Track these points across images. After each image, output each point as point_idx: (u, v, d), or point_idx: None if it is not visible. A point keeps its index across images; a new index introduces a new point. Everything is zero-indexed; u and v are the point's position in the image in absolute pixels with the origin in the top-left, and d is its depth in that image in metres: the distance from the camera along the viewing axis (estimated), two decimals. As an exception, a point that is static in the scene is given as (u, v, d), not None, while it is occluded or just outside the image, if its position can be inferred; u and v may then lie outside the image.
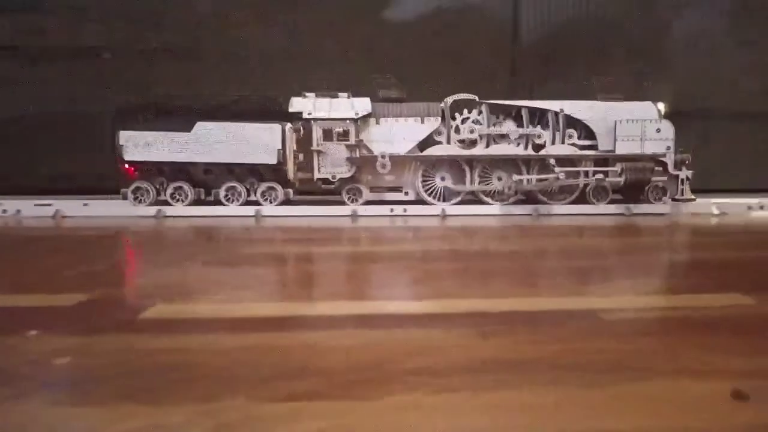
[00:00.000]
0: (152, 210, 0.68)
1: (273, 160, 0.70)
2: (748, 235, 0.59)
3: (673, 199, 0.75)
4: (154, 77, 0.90)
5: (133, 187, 0.70)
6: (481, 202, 0.73)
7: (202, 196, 0.72)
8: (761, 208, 0.78)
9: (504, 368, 0.19)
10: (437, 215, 0.70)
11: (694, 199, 0.75)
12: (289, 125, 0.71)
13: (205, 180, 0.72)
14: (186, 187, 0.70)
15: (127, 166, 0.70)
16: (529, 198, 0.74)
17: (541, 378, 0.18)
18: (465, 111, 0.74)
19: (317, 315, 0.25)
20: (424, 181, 0.73)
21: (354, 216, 0.69)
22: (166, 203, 0.70)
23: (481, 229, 0.61)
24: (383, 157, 0.70)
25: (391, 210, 0.71)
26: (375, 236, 0.56)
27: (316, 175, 0.71)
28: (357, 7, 0.93)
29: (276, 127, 0.70)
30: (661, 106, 0.75)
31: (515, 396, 0.17)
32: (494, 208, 0.72)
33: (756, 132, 1.03)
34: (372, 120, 0.71)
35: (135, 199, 0.70)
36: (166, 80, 0.90)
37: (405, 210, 0.71)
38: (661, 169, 0.74)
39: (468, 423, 0.15)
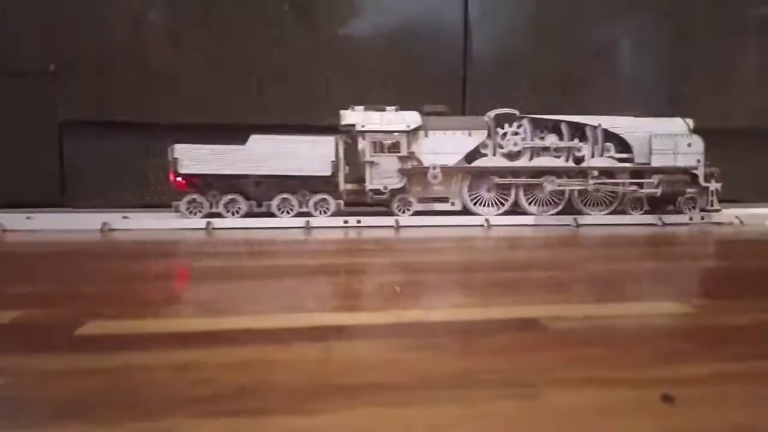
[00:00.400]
0: (97, 223, 0.67)
1: (327, 172, 0.71)
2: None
3: (702, 210, 0.79)
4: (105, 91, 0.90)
5: (187, 199, 0.70)
6: (525, 213, 0.75)
7: (254, 209, 0.72)
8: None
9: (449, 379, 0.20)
10: (391, 226, 0.71)
11: (719, 210, 0.79)
12: (340, 138, 0.72)
13: (256, 192, 0.72)
14: (239, 199, 0.71)
15: (180, 179, 0.70)
16: (567, 209, 0.77)
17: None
18: (506, 125, 0.76)
19: (250, 328, 0.25)
20: (470, 191, 0.75)
21: (307, 228, 0.69)
22: (218, 215, 0.70)
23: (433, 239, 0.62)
24: (434, 168, 0.72)
25: (346, 222, 0.71)
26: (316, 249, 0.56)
27: (369, 186, 0.72)
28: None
29: (329, 140, 0.71)
30: (690, 121, 0.79)
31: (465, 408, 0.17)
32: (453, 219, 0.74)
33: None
34: (421, 133, 0.73)
35: (189, 211, 0.70)
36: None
37: (359, 221, 0.71)
38: (690, 180, 0.78)
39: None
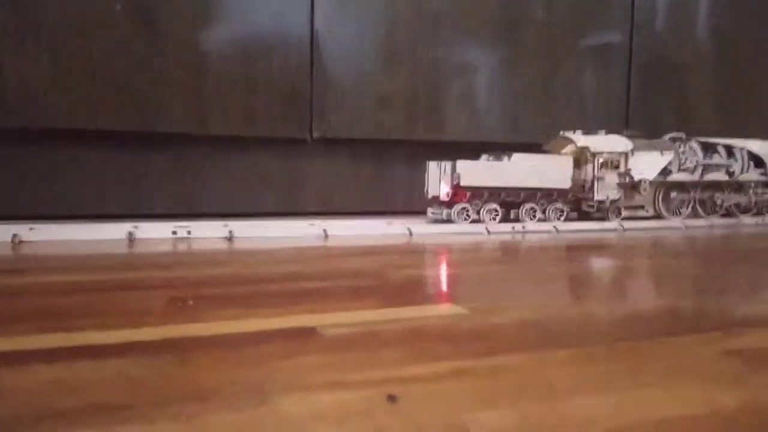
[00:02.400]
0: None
1: (567, 185, 0.84)
2: None
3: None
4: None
5: (457, 209, 0.80)
6: (702, 217, 0.94)
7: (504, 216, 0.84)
8: None
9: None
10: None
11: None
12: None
13: (505, 202, 0.84)
14: (497, 207, 0.82)
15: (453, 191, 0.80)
16: (728, 212, 0.96)
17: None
18: (680, 145, 0.94)
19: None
20: (663, 200, 0.92)
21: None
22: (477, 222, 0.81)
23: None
24: (645, 182, 0.88)
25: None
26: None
27: (597, 197, 0.87)
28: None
29: (569, 158, 0.85)
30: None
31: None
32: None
33: None
34: (629, 152, 0.89)
35: (460, 218, 0.80)
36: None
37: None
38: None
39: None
